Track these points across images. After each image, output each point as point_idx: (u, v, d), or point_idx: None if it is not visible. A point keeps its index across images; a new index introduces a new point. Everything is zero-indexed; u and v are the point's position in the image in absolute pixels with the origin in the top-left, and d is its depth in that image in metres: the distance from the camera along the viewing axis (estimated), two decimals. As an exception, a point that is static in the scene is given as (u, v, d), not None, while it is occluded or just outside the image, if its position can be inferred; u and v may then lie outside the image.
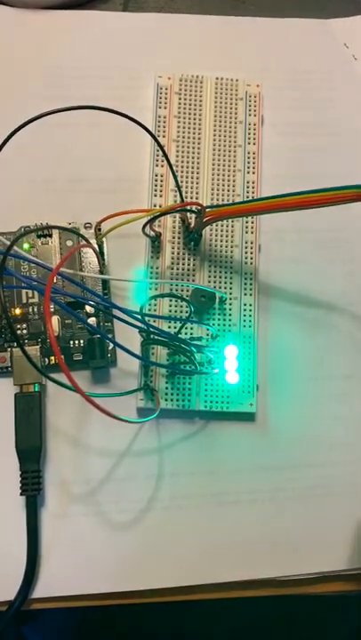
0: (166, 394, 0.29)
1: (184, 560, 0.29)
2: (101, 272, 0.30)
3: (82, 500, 0.29)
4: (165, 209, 0.26)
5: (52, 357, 0.29)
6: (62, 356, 0.29)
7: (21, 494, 0.28)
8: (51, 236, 0.31)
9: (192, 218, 0.30)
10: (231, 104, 0.33)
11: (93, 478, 0.29)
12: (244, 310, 0.31)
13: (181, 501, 0.29)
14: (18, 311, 0.30)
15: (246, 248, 0.32)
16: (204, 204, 0.28)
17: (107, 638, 0.35)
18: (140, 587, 0.28)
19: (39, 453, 0.28)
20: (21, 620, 0.40)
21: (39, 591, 0.28)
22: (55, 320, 0.30)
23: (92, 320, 0.30)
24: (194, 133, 0.33)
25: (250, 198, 0.32)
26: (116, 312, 0.25)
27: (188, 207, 0.28)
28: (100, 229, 0.30)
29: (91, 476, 0.29)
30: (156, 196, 0.32)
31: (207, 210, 0.27)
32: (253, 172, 0.33)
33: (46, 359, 0.29)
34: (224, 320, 0.30)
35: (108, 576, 0.28)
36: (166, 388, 0.29)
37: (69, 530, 0.28)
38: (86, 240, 0.29)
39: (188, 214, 0.30)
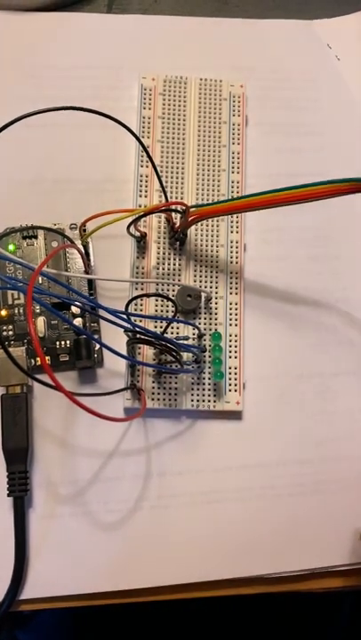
0: (153, 393, 0.30)
1: (173, 559, 0.29)
2: (87, 272, 0.30)
3: (70, 501, 0.29)
4: (149, 209, 0.26)
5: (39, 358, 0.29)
6: (45, 356, 0.29)
7: (9, 495, 0.28)
8: (36, 237, 0.31)
9: (177, 218, 0.30)
10: (215, 104, 0.34)
11: (81, 478, 0.29)
12: (230, 309, 0.31)
13: (169, 500, 0.29)
14: (3, 312, 0.30)
15: (232, 247, 0.32)
16: (189, 204, 0.28)
17: (97, 638, 0.36)
18: (128, 586, 0.28)
19: (26, 454, 0.28)
20: (13, 622, 0.40)
21: (28, 592, 0.28)
22: (41, 321, 0.30)
23: (77, 321, 0.30)
24: (178, 134, 0.33)
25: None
26: (101, 312, 0.25)
27: (173, 207, 0.28)
28: (84, 230, 0.30)
29: (78, 476, 0.29)
30: (141, 196, 0.32)
31: (191, 209, 0.27)
32: (238, 172, 0.33)
33: (32, 360, 0.29)
34: (210, 319, 0.31)
35: (97, 576, 0.28)
36: (153, 388, 0.30)
37: (57, 530, 0.28)
38: (71, 241, 0.29)
39: (174, 214, 0.30)
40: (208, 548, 0.29)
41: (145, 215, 0.28)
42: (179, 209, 0.28)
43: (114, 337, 0.28)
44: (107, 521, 0.29)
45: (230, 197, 0.32)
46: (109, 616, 0.40)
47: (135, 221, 0.28)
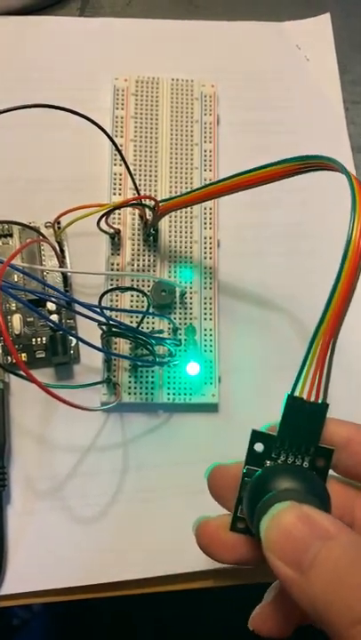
0: (129, 387, 0.30)
1: (151, 552, 0.29)
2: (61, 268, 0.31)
3: (48, 496, 0.29)
4: (118, 203, 0.27)
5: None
6: (12, 343, 0.29)
7: (-14, 491, 0.28)
8: (11, 235, 0.31)
9: (150, 214, 0.30)
10: (187, 104, 0.34)
11: (59, 474, 0.29)
12: (205, 303, 0.31)
13: (147, 494, 0.30)
14: (-21, 310, 0.30)
15: (205, 243, 0.32)
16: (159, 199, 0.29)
17: (77, 631, 0.35)
18: (108, 580, 0.28)
19: (3, 450, 0.28)
20: (2, 634, 0.40)
21: (7, 588, 0.28)
22: (17, 318, 0.30)
23: (53, 317, 0.30)
24: (151, 133, 0.33)
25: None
26: (77, 308, 0.26)
27: (144, 202, 0.29)
28: (59, 227, 0.31)
29: (56, 471, 0.29)
30: (115, 194, 0.32)
31: (161, 204, 0.27)
32: (210, 170, 0.33)
33: (8, 357, 0.30)
34: (185, 313, 0.31)
35: (76, 570, 0.28)
36: (129, 382, 0.30)
37: (36, 526, 0.28)
38: (44, 237, 0.30)
39: (147, 211, 0.30)
40: (186, 540, 0.29)
41: (115, 209, 0.28)
42: (148, 203, 0.28)
43: (90, 334, 0.28)
44: (85, 515, 0.29)
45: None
46: (100, 622, 0.40)
47: (106, 216, 0.28)
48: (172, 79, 0.34)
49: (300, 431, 0.19)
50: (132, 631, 0.40)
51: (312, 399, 0.19)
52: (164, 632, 0.39)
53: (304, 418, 0.19)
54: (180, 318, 0.31)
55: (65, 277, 0.31)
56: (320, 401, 0.19)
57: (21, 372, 0.21)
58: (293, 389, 0.19)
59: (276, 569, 0.16)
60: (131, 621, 0.39)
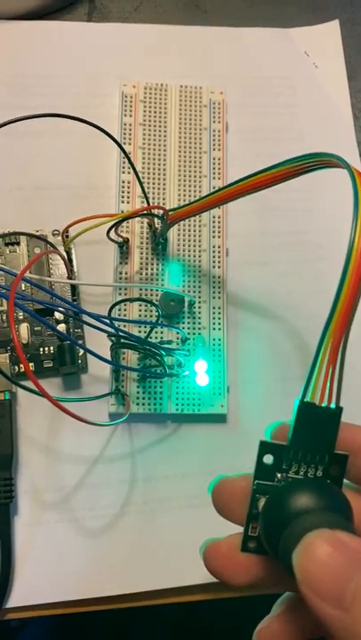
0: (138, 398, 0.30)
1: (160, 563, 0.29)
2: (70, 278, 0.30)
3: (55, 508, 0.29)
4: (128, 213, 0.26)
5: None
6: (26, 359, 0.29)
7: (-7, 503, 0.27)
8: (18, 243, 0.31)
9: (159, 223, 0.30)
10: (195, 111, 0.34)
11: (66, 485, 0.29)
12: (214, 313, 0.31)
13: (155, 505, 0.29)
14: (-14, 320, 0.30)
15: (214, 252, 0.32)
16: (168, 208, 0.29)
17: (76, 633, 0.35)
18: (115, 592, 0.28)
19: (10, 461, 0.28)
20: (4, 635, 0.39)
21: (14, 600, 0.27)
22: (24, 327, 0.30)
23: (61, 327, 0.30)
24: (159, 140, 0.33)
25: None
26: (85, 318, 0.25)
27: (153, 211, 0.29)
28: (67, 235, 0.30)
29: (64, 482, 0.29)
30: (123, 202, 0.32)
31: (170, 213, 0.27)
32: (219, 178, 0.33)
33: (16, 367, 0.29)
34: (194, 323, 0.31)
35: (84, 583, 0.28)
36: (138, 393, 0.30)
37: (43, 537, 0.28)
38: (53, 246, 0.30)
39: (156, 220, 0.30)
40: (194, 552, 0.29)
41: (125, 219, 0.28)
42: (158, 212, 0.28)
43: (98, 343, 0.28)
44: (93, 527, 0.29)
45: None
46: (99, 624, 0.40)
47: (116, 227, 0.28)
48: (181, 86, 0.34)
49: (313, 439, 0.18)
50: (132, 633, 0.40)
51: (324, 404, 0.17)
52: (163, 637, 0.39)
53: (317, 424, 0.18)
54: (188, 328, 0.31)
55: (73, 286, 0.31)
56: (333, 405, 0.17)
57: (30, 385, 0.21)
58: (304, 395, 0.17)
59: (315, 608, 0.14)
60: (130, 624, 0.39)
